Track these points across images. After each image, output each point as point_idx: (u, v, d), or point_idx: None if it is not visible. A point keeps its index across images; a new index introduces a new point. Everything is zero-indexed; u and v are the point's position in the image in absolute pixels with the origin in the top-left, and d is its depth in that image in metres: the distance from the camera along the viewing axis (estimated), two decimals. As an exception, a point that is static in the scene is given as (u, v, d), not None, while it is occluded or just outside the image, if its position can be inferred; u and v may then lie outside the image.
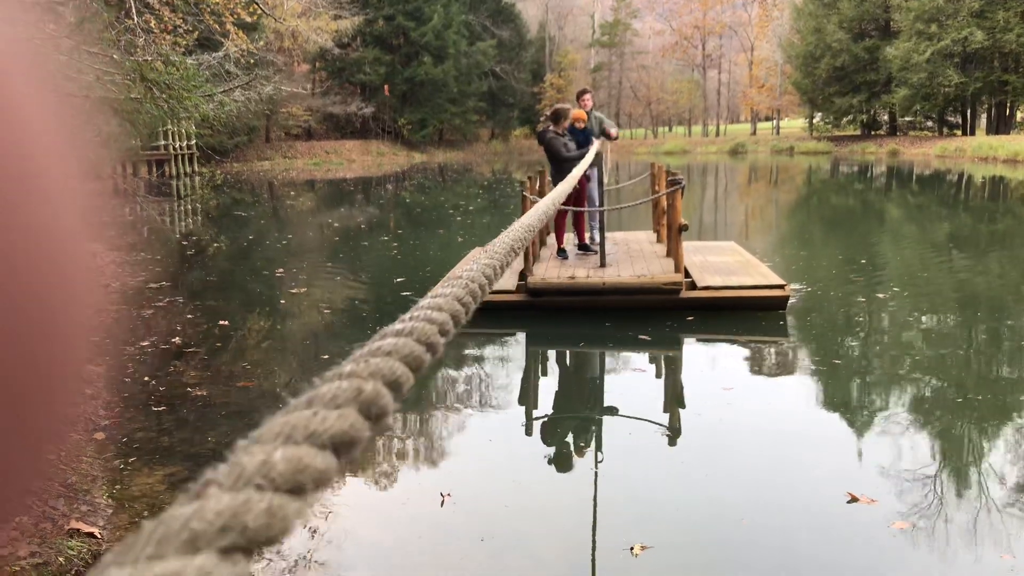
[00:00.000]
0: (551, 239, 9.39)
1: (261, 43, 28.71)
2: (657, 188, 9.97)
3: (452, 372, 6.10)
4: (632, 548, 3.40)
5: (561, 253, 8.66)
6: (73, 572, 3.15)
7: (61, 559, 3.18)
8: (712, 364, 6.27)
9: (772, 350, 6.60)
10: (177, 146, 30.59)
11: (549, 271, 7.97)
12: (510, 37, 59.67)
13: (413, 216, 19.03)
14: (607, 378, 6.22)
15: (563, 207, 7.73)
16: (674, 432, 4.89)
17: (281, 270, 10.80)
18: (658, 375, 6.21)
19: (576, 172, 3.47)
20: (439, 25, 51.38)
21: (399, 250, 12.84)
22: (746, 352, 6.49)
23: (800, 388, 5.71)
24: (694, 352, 6.71)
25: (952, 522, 3.63)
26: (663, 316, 7.32)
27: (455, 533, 3.64)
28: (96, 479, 4.12)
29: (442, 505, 3.88)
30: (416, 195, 25.22)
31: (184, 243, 14.24)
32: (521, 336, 7.30)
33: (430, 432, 5.03)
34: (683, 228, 7.49)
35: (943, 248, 12.27)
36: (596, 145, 7.86)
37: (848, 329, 7.23)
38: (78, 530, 3.42)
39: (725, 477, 4.15)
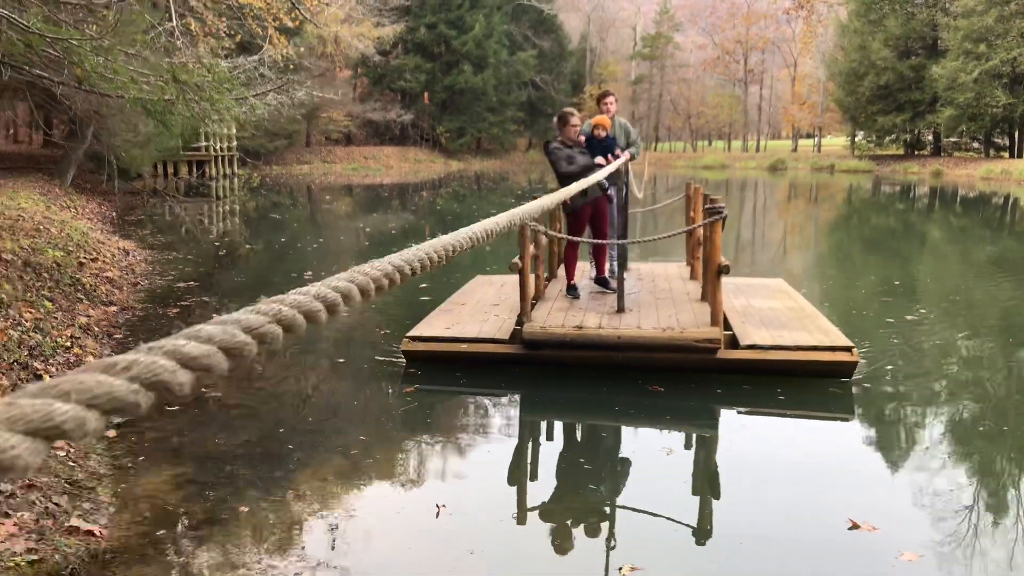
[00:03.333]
0: (561, 271, 7.91)
1: (302, 48, 29.08)
2: (693, 214, 8.38)
3: (429, 436, 5.01)
4: (621, 568, 3.35)
5: (571, 291, 7.23)
6: (68, 570, 3.17)
7: (57, 556, 3.21)
8: (730, 416, 5.83)
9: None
10: (218, 147, 31.06)
11: (552, 316, 6.42)
12: (551, 47, 59.74)
13: (446, 223, 19.09)
14: (614, 449, 4.99)
15: (575, 239, 6.95)
16: (672, 461, 4.81)
17: (310, 273, 10.88)
18: (688, 447, 4.96)
19: (566, 190, 3.19)
20: (480, 34, 51.63)
21: (427, 257, 12.85)
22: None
23: (817, 430, 5.59)
24: (729, 422, 5.34)
25: (960, 553, 3.51)
26: (693, 380, 5.90)
27: (448, 544, 3.60)
28: (102, 477, 4.16)
29: (437, 516, 3.85)
30: (450, 202, 25.32)
31: (217, 244, 14.41)
32: (515, 398, 5.90)
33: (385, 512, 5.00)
34: (723, 270, 5.90)
35: (992, 275, 11.99)
36: (622, 159, 6.83)
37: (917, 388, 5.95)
38: (77, 528, 3.45)
39: (723, 501, 4.08)
